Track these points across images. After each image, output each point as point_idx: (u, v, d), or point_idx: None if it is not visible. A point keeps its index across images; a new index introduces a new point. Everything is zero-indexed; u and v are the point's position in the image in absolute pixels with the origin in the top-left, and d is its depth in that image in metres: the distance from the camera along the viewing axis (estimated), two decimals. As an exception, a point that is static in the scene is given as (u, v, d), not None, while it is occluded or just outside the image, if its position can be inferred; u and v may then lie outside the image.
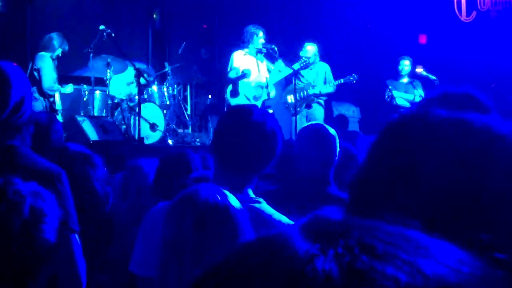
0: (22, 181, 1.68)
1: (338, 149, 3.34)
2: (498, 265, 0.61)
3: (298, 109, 9.21)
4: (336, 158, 3.32)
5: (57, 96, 8.56)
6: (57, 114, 8.27)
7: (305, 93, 9.34)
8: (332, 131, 3.39)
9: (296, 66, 9.04)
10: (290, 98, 9.34)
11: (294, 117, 9.05)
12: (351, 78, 9.29)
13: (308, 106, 9.40)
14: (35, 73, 8.34)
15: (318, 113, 9.43)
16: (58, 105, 8.54)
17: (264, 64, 9.14)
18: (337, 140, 3.35)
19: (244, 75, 8.88)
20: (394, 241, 0.56)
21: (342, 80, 9.31)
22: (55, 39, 8.58)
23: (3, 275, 1.58)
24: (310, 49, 9.44)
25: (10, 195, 1.61)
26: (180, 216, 1.92)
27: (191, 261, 1.85)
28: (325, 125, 3.58)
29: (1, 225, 1.58)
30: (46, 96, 8.37)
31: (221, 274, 0.59)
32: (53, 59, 8.60)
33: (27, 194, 1.64)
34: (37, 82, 8.26)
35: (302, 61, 9.17)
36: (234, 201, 1.94)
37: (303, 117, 9.22)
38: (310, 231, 0.59)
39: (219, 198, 1.91)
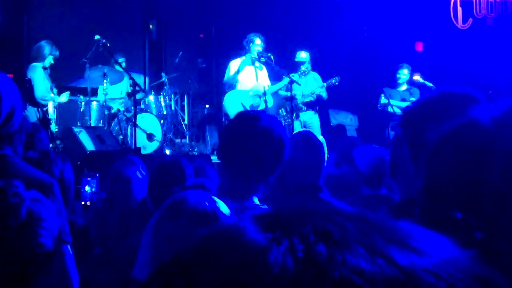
0: (24, 186, 1.67)
1: (326, 155, 3.34)
2: (475, 244, 0.56)
3: (288, 120, 9.15)
4: (325, 164, 3.32)
5: (50, 106, 8.53)
6: (50, 124, 8.25)
7: (294, 103, 9.26)
8: (320, 137, 3.41)
9: (295, 76, 9.01)
10: (281, 110, 9.35)
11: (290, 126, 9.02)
12: (333, 80, 9.27)
13: (297, 116, 9.34)
14: (27, 85, 8.33)
15: (314, 121, 9.41)
16: (52, 114, 8.51)
17: (264, 73, 9.13)
18: (325, 146, 3.36)
19: (234, 77, 8.86)
20: (355, 225, 0.51)
21: (325, 84, 9.27)
22: (44, 47, 8.57)
23: None
24: (304, 56, 9.45)
25: (10, 197, 1.60)
26: (168, 222, 1.90)
27: None
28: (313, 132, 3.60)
29: None
30: (40, 106, 8.37)
31: (175, 264, 0.57)
32: (45, 68, 8.60)
33: (27, 198, 1.63)
34: (30, 93, 8.24)
35: (302, 71, 9.16)
36: (223, 207, 1.92)
37: (299, 127, 9.17)
38: (264, 221, 0.54)
39: (207, 204, 1.89)
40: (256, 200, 2.37)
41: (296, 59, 9.53)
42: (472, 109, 1.08)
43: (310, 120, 9.40)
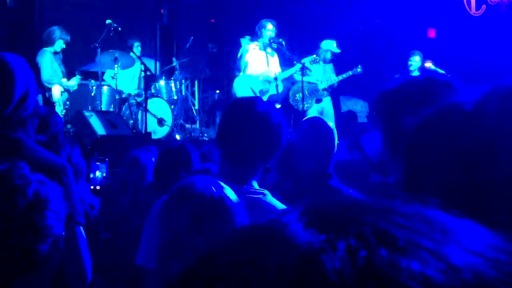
0: (30, 168, 1.68)
1: (336, 141, 3.34)
2: None
3: (307, 104, 9.24)
4: (335, 150, 3.32)
5: (57, 90, 8.54)
6: (54, 107, 8.28)
7: (315, 88, 9.38)
8: (330, 124, 3.41)
9: (305, 60, 9.03)
10: (298, 95, 9.37)
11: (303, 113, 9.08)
12: (358, 70, 9.37)
13: (318, 101, 9.44)
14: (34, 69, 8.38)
15: (330, 108, 9.52)
16: (59, 98, 8.53)
17: (275, 59, 9.12)
18: (335, 133, 3.36)
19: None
20: (414, 225, 0.46)
21: (350, 72, 9.37)
22: (53, 32, 8.62)
23: (5, 259, 1.57)
24: (328, 45, 9.57)
25: (16, 178, 1.61)
26: (175, 208, 1.90)
27: (188, 253, 1.84)
28: (323, 118, 3.60)
29: (4, 207, 1.58)
30: (45, 89, 8.41)
31: (209, 268, 0.48)
32: (56, 53, 8.63)
33: (33, 180, 1.64)
34: (37, 76, 8.29)
35: (313, 58, 9.16)
36: (230, 193, 1.92)
37: (316, 112, 9.22)
38: (313, 218, 0.48)
39: (215, 190, 1.89)
40: (256, 185, 2.39)
41: (319, 46, 9.61)
42: (452, 95, 1.06)
43: (327, 107, 9.48)
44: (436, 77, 1.80)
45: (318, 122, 3.45)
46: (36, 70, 8.27)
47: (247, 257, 0.47)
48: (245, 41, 9.21)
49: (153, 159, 4.24)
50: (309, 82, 9.38)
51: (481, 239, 0.46)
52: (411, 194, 0.97)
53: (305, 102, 9.23)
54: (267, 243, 0.47)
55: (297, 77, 9.26)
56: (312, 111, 9.22)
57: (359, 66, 9.39)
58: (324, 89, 9.44)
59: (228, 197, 1.91)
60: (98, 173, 4.78)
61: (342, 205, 0.49)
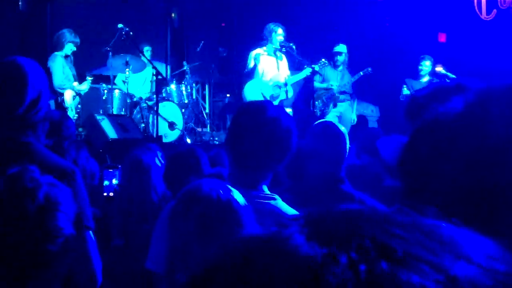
0: (40, 171, 1.69)
1: (348, 146, 3.32)
2: None
3: (326, 110, 9.38)
4: (346, 155, 3.30)
5: (69, 94, 8.57)
6: (67, 112, 8.30)
7: (331, 93, 9.46)
8: (341, 128, 3.38)
9: (316, 67, 9.06)
10: (318, 102, 9.47)
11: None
12: (369, 69, 9.52)
13: (335, 105, 9.52)
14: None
15: (348, 113, 9.63)
16: (70, 103, 8.55)
17: (284, 63, 9.12)
18: (347, 137, 3.34)
19: (255, 66, 8.92)
20: (413, 236, 0.46)
21: (361, 73, 9.46)
22: (62, 35, 8.63)
23: (16, 261, 1.59)
24: (340, 48, 9.71)
25: (26, 181, 1.63)
26: (183, 212, 1.91)
27: (196, 257, 1.84)
28: (335, 122, 3.58)
29: (15, 210, 1.60)
30: (58, 94, 8.44)
31: (211, 282, 0.49)
32: (67, 56, 8.66)
33: (43, 182, 1.66)
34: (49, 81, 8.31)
35: (322, 62, 9.18)
36: (238, 196, 1.92)
37: (335, 118, 9.26)
38: (314, 231, 0.48)
39: (222, 193, 1.90)
40: (266, 189, 2.38)
41: (333, 51, 9.72)
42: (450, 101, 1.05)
43: (345, 112, 9.55)
44: (466, 83, 1.80)
45: (330, 126, 3.44)
46: (48, 74, 8.30)
47: (250, 271, 0.47)
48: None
49: (156, 160, 4.23)
50: (325, 88, 9.48)
51: (479, 249, 0.46)
52: (410, 202, 0.96)
53: (322, 108, 9.34)
54: (271, 256, 0.47)
55: (316, 84, 9.35)
56: (330, 117, 9.27)
57: (369, 68, 9.50)
58: (340, 93, 9.51)
59: (236, 200, 1.91)
60: (114, 181, 4.79)
61: (342, 216, 0.50)
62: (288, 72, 9.12)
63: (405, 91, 9.67)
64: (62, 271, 1.69)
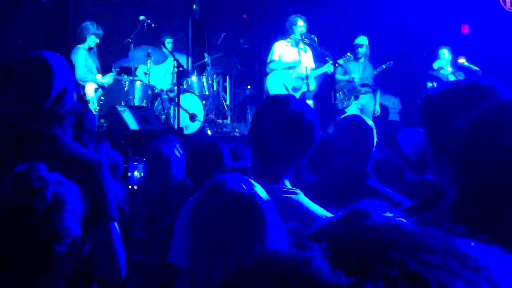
0: (47, 169, 1.69)
1: (375, 140, 3.31)
2: None
3: (346, 103, 9.31)
4: (374, 149, 3.30)
5: (90, 87, 8.62)
6: (88, 105, 8.34)
7: (353, 85, 9.42)
8: (369, 122, 3.37)
9: (340, 61, 9.04)
10: (339, 94, 9.43)
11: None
12: (391, 63, 9.44)
13: (356, 98, 9.46)
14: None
15: (370, 105, 9.54)
16: (92, 97, 8.58)
17: (308, 54, 9.09)
18: (374, 131, 3.32)
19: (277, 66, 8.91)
20: (445, 263, 0.43)
21: (383, 66, 9.39)
22: (84, 28, 8.65)
23: (23, 261, 1.59)
24: (362, 40, 9.62)
25: (34, 180, 1.62)
26: (206, 205, 1.92)
27: (219, 251, 1.86)
28: (363, 116, 3.56)
29: (23, 210, 1.59)
30: (79, 86, 8.49)
31: None
32: (90, 48, 8.69)
33: (51, 181, 1.65)
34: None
35: (347, 56, 9.14)
36: (260, 191, 1.93)
37: (356, 110, 9.23)
38: (339, 256, 0.45)
39: (245, 188, 1.91)
40: (288, 184, 2.38)
41: (354, 42, 9.63)
42: (496, 96, 1.03)
43: (367, 104, 9.48)
44: (481, 81, 1.79)
45: (358, 120, 3.42)
46: (71, 68, 8.35)
47: None
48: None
49: (175, 151, 4.25)
50: (347, 81, 9.43)
51: (508, 271, 0.44)
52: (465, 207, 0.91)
53: (344, 100, 9.28)
54: (291, 280, 0.44)
55: (338, 76, 9.30)
56: (351, 109, 9.23)
57: (391, 61, 9.43)
58: (362, 86, 9.45)
59: (259, 195, 1.92)
60: (136, 173, 4.83)
61: (368, 238, 0.46)
62: (312, 64, 9.10)
63: (429, 84, 9.63)
64: (68, 270, 1.69)
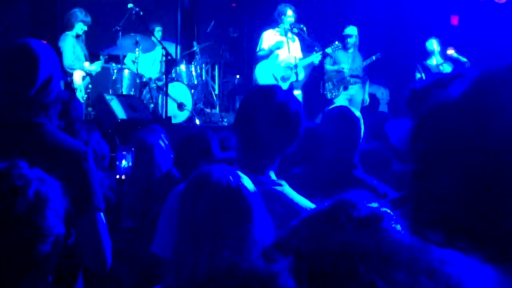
0: (28, 165, 1.65)
1: (363, 131, 3.31)
2: None
3: (336, 93, 9.31)
4: (361, 140, 3.30)
5: (78, 75, 8.57)
6: (75, 93, 8.31)
7: (342, 76, 9.42)
8: (357, 113, 3.37)
9: (328, 50, 9.04)
10: (328, 84, 9.43)
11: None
12: (379, 54, 9.49)
13: (345, 88, 9.48)
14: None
15: (358, 96, 9.56)
16: (80, 84, 8.53)
17: (296, 44, 9.08)
18: (362, 122, 3.33)
19: (271, 52, 8.88)
20: (415, 281, 0.41)
21: (373, 57, 9.39)
22: (73, 15, 8.61)
23: (5, 260, 1.56)
24: (351, 31, 9.64)
25: (15, 179, 1.59)
26: (193, 197, 1.91)
27: (205, 243, 1.85)
28: (350, 107, 3.56)
29: (5, 209, 1.56)
30: (67, 74, 8.44)
31: None
32: (78, 36, 8.64)
33: (33, 178, 1.62)
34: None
35: (335, 45, 9.14)
36: (248, 183, 1.93)
37: (345, 100, 9.24)
38: (305, 268, 0.44)
39: (232, 179, 1.90)
40: (273, 175, 2.38)
41: (343, 33, 9.63)
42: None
43: (356, 95, 9.50)
44: (467, 73, 1.79)
45: (345, 111, 3.42)
46: (58, 55, 8.29)
47: None
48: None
49: (160, 141, 4.23)
50: (337, 71, 9.43)
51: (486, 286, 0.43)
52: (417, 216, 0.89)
53: (333, 91, 9.29)
54: None
55: (327, 66, 9.31)
56: (340, 99, 9.25)
57: (379, 53, 9.47)
58: (351, 76, 9.46)
59: (246, 187, 1.91)
60: (124, 162, 4.80)
61: (337, 252, 0.45)
62: (300, 54, 9.09)
63: (418, 75, 9.65)
64: (52, 267, 1.67)
